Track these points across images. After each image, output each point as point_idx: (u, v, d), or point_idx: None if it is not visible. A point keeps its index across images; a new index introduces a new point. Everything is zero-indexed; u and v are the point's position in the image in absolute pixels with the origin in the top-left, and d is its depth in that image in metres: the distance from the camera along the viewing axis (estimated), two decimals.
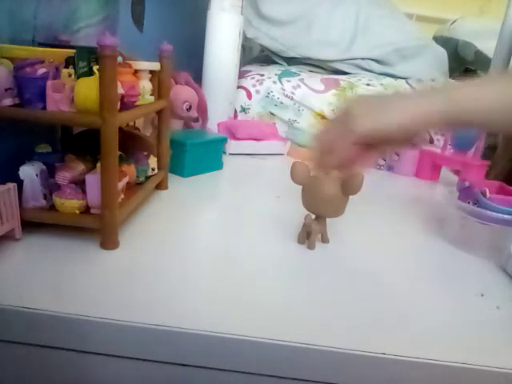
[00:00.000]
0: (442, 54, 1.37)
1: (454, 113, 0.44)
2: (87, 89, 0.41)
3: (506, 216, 0.53)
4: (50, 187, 0.47)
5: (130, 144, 0.57)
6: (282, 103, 1.15)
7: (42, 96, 0.42)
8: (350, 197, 0.49)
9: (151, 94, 0.56)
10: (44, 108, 0.43)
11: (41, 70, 0.43)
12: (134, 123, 0.67)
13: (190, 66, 0.95)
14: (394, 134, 0.45)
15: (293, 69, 1.24)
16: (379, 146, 0.48)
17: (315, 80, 1.17)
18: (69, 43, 0.59)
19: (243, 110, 1.15)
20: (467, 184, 0.60)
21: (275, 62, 1.32)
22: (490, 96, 0.44)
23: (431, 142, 1.13)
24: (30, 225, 0.45)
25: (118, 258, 0.44)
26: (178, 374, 0.36)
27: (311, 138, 0.49)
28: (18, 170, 0.45)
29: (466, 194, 0.58)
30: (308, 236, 0.51)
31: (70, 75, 0.44)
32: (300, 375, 0.35)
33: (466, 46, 1.48)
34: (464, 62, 1.46)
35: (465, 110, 0.44)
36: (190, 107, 0.83)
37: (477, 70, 1.32)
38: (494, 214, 0.53)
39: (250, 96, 1.15)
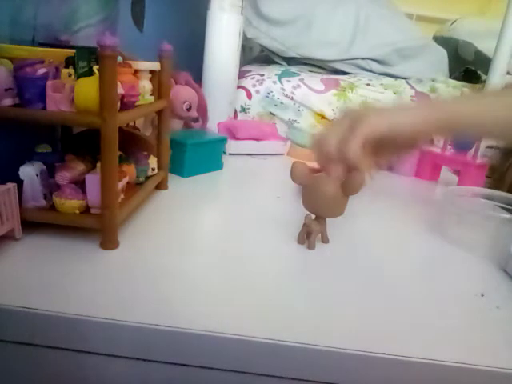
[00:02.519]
0: (442, 54, 1.37)
1: (456, 118, 0.48)
2: (87, 89, 0.41)
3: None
4: (50, 187, 0.47)
5: (130, 144, 0.57)
6: (282, 103, 1.15)
7: (42, 96, 0.42)
8: (351, 197, 0.49)
9: (151, 94, 0.56)
10: (44, 108, 0.43)
11: (41, 70, 0.43)
12: (134, 123, 0.67)
13: (190, 66, 0.95)
14: (405, 134, 0.46)
15: (293, 69, 1.24)
16: (383, 149, 0.48)
17: (315, 80, 1.17)
18: (69, 43, 0.59)
19: (243, 109, 1.15)
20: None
21: (275, 62, 1.32)
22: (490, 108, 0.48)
23: (431, 141, 1.13)
24: (30, 225, 0.45)
25: (118, 258, 0.44)
26: (178, 374, 0.36)
27: (315, 136, 0.48)
28: (18, 169, 0.45)
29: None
30: (308, 236, 0.51)
31: (70, 75, 0.44)
32: (300, 375, 0.35)
33: (466, 45, 1.48)
34: (464, 62, 1.46)
35: (464, 116, 0.48)
36: (190, 107, 0.83)
37: (477, 70, 1.32)
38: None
39: (249, 96, 1.15)
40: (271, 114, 1.16)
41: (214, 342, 0.34)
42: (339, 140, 0.45)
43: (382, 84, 1.19)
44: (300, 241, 0.52)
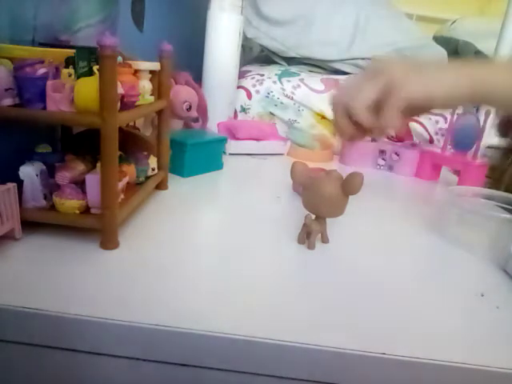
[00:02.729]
0: (442, 54, 1.37)
1: (495, 94, 0.44)
2: (87, 89, 0.41)
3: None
4: (50, 187, 0.47)
5: (130, 144, 0.57)
6: (282, 103, 1.15)
7: (42, 96, 0.42)
8: (350, 197, 0.49)
9: (151, 94, 0.56)
10: (44, 108, 0.43)
11: (41, 70, 0.43)
12: (134, 123, 0.67)
13: (190, 66, 0.95)
14: (439, 103, 0.43)
15: (293, 69, 1.24)
16: (404, 111, 0.44)
17: (315, 80, 1.17)
18: (69, 43, 0.59)
19: (243, 109, 1.15)
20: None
21: (275, 62, 1.32)
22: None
23: (431, 141, 1.13)
24: (30, 225, 0.45)
25: (118, 258, 0.44)
26: (178, 374, 0.36)
27: (342, 86, 0.45)
28: (18, 169, 0.45)
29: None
30: (308, 236, 0.51)
31: (70, 75, 0.44)
32: (300, 375, 0.35)
33: (466, 45, 1.48)
34: None
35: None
36: (190, 107, 0.83)
37: None
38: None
39: (249, 96, 1.15)
40: (271, 114, 1.16)
41: (214, 341, 0.34)
42: (369, 102, 0.42)
43: None
44: (300, 241, 0.52)
